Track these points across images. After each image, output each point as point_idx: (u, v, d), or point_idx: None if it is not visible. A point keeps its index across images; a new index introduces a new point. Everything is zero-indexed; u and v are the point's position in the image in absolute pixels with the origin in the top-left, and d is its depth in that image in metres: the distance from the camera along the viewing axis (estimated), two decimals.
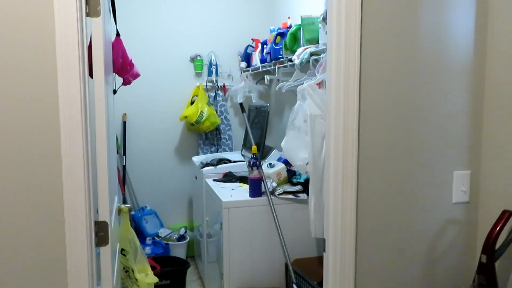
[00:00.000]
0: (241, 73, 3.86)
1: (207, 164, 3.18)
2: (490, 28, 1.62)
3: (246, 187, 2.79)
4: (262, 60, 3.37)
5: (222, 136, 3.88)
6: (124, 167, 3.69)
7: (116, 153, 3.30)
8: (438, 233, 1.67)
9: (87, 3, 1.31)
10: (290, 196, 2.56)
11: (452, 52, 1.60)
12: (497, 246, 1.47)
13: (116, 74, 2.32)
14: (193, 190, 3.65)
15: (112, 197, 1.70)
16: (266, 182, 2.59)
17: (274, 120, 3.81)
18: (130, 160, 3.73)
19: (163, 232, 3.66)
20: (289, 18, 3.12)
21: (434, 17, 1.57)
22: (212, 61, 3.83)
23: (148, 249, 3.45)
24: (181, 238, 3.63)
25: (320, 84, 2.20)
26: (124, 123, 3.70)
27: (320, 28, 2.36)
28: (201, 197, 3.16)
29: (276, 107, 3.83)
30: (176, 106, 3.78)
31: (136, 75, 2.51)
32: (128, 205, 2.68)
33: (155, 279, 2.35)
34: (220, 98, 3.88)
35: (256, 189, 2.56)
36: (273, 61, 3.03)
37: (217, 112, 3.82)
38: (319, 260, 2.51)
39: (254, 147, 2.70)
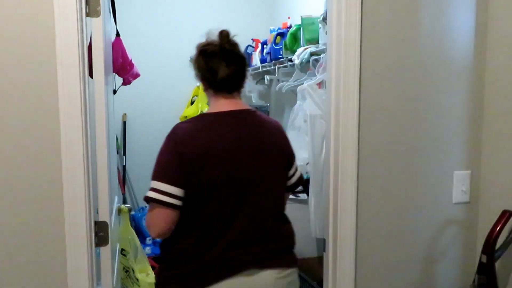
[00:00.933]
0: None
1: None
2: (490, 28, 1.62)
3: None
4: (262, 60, 3.37)
5: None
6: (124, 167, 3.69)
7: (116, 153, 3.30)
8: (438, 233, 1.67)
9: (87, 3, 1.31)
10: (290, 196, 2.55)
11: (452, 52, 1.60)
12: (497, 246, 1.47)
13: (116, 74, 2.32)
14: None
15: (112, 197, 1.69)
16: None
17: None
18: (130, 160, 3.73)
19: None
20: (289, 18, 3.12)
21: (434, 17, 1.57)
22: None
23: (148, 249, 3.44)
24: None
25: (320, 84, 2.20)
26: (124, 123, 3.70)
27: (320, 28, 2.36)
28: None
29: (276, 107, 3.83)
30: (176, 106, 3.78)
31: (136, 75, 2.50)
32: (128, 205, 2.68)
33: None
34: None
35: None
36: (273, 61, 3.03)
37: None
38: (319, 260, 2.51)
39: None
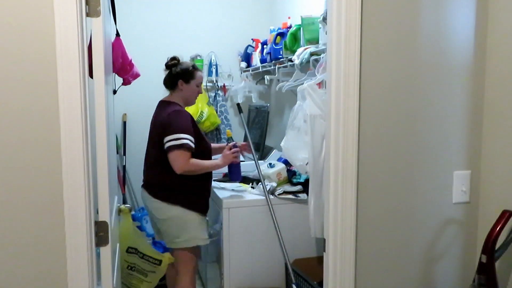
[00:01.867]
0: (241, 73, 3.86)
1: None
2: (490, 28, 1.62)
3: (246, 187, 2.79)
4: (262, 60, 3.37)
5: (222, 136, 3.88)
6: (124, 167, 3.69)
7: (116, 153, 3.30)
8: (438, 233, 1.67)
9: (87, 3, 1.31)
10: (290, 196, 2.56)
11: (452, 52, 1.60)
12: (497, 246, 1.47)
13: (116, 74, 2.32)
14: None
15: (112, 197, 1.70)
16: (265, 183, 2.59)
17: (274, 120, 3.81)
18: (130, 160, 3.73)
19: None
20: (289, 18, 3.12)
21: (434, 17, 1.57)
22: (212, 61, 3.83)
23: None
24: None
25: (320, 84, 2.20)
26: (124, 123, 3.70)
27: (320, 28, 2.36)
28: None
29: (276, 107, 3.83)
30: None
31: (136, 75, 2.51)
32: (128, 205, 2.69)
33: (172, 259, 2.51)
34: (220, 98, 3.88)
35: (235, 172, 2.65)
36: (273, 61, 3.03)
37: (217, 112, 3.81)
38: (319, 260, 2.51)
39: (228, 130, 3.03)
